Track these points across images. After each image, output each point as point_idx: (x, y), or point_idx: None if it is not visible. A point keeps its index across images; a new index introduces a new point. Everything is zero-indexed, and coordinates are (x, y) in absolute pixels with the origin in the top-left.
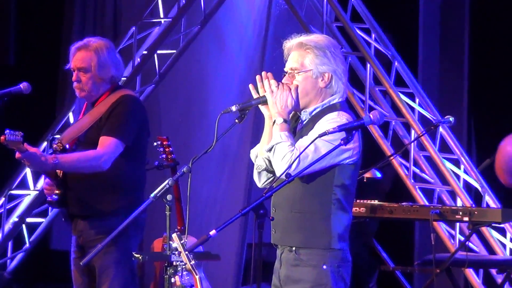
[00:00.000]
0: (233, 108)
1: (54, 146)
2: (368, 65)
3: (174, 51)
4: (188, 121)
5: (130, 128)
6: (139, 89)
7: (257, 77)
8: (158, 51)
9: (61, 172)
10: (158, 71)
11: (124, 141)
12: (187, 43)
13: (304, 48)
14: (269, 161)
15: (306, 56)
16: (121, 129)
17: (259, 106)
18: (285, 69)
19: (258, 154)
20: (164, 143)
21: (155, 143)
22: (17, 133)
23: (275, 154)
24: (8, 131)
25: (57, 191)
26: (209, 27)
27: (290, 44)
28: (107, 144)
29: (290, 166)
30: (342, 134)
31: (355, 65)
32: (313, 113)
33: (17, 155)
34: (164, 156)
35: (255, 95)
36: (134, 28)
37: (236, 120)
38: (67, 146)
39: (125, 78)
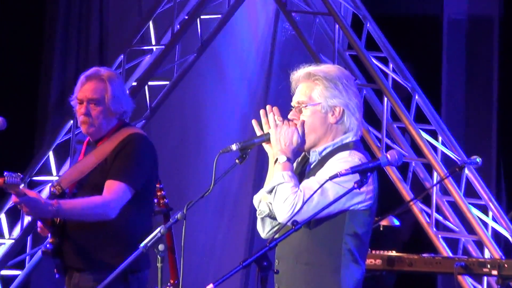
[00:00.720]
0: (233, 147)
1: (52, 189)
2: (385, 99)
3: (167, 82)
4: (183, 161)
5: (140, 171)
6: None
7: (261, 111)
8: (149, 83)
9: (58, 218)
10: (149, 104)
11: (133, 187)
12: (182, 73)
13: (312, 79)
14: None
15: (314, 88)
16: (129, 173)
17: (263, 144)
18: (292, 103)
19: (261, 199)
20: (156, 186)
21: None
22: (16, 174)
23: (276, 196)
24: (6, 173)
25: (51, 240)
26: (206, 55)
27: (298, 75)
28: (114, 190)
29: (295, 212)
30: (355, 176)
31: (370, 99)
32: (323, 153)
33: (14, 199)
34: (155, 200)
35: (258, 132)
36: (122, 56)
37: (237, 161)
38: (67, 190)
39: None
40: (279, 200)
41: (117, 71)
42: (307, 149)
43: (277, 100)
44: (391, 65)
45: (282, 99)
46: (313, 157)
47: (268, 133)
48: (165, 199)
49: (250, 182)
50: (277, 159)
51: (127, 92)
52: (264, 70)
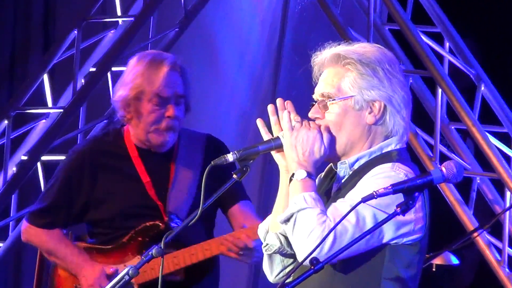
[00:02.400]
0: (230, 157)
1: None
2: (439, 91)
3: None
4: None
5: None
6: (84, 127)
7: (269, 107)
8: (114, 68)
9: None
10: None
11: None
12: None
13: (342, 63)
14: (286, 238)
15: (345, 76)
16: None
17: (272, 153)
18: (314, 96)
19: (269, 229)
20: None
21: None
22: None
23: (296, 227)
24: None
25: None
26: (192, 32)
27: (322, 57)
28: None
29: (326, 251)
30: (398, 198)
31: (419, 91)
32: (356, 166)
33: None
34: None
35: (265, 136)
36: (75, 31)
37: (235, 176)
38: (177, 218)
39: (60, 110)
40: (301, 233)
41: (67, 52)
42: (334, 160)
43: (289, 93)
44: (447, 45)
45: (297, 90)
46: (343, 171)
47: (279, 138)
48: None
49: (254, 203)
50: (293, 174)
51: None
52: (272, 52)
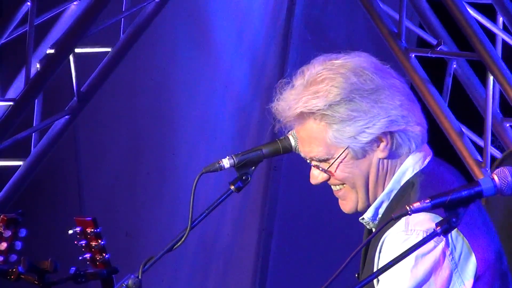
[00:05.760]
0: (225, 163)
1: None
2: (491, 78)
3: (109, 49)
4: (138, 184)
5: None
6: (39, 125)
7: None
8: (77, 50)
9: None
10: (76, 88)
11: None
12: (134, 34)
13: (312, 119)
14: None
15: (323, 133)
16: None
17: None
18: (303, 156)
19: None
20: (88, 230)
21: (70, 231)
22: None
23: None
24: None
25: None
26: (178, 3)
27: (284, 116)
28: None
29: None
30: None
31: (464, 78)
32: (380, 213)
33: None
34: (88, 256)
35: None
36: (29, 3)
37: (232, 187)
38: None
39: (10, 103)
40: None
41: (18, 30)
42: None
43: None
44: (501, 20)
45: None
46: (368, 215)
47: (289, 139)
48: (104, 254)
49: (255, 218)
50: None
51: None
52: (278, 28)
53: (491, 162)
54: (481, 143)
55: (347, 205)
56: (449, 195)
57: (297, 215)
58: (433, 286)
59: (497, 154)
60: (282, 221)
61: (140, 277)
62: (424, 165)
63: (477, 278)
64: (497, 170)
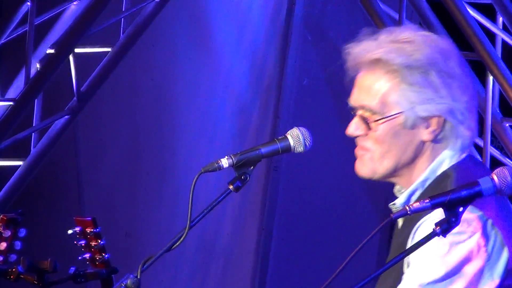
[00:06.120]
0: (224, 163)
1: None
2: (490, 78)
3: (109, 49)
4: (138, 183)
5: None
6: (39, 125)
7: None
8: (77, 50)
9: None
10: (76, 87)
11: None
12: (134, 34)
13: (384, 70)
14: None
15: (390, 87)
16: None
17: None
18: (352, 103)
19: None
20: (87, 229)
21: (69, 231)
22: None
23: None
24: None
25: None
26: (178, 3)
27: (356, 58)
28: None
29: None
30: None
31: None
32: (414, 198)
33: None
34: (88, 256)
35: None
36: (29, 3)
37: (231, 187)
38: None
39: (9, 103)
40: None
41: (18, 30)
42: (383, 179)
43: (300, 81)
44: (500, 20)
45: (310, 78)
46: (400, 201)
47: (287, 138)
48: (104, 254)
49: (255, 219)
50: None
51: None
52: (278, 28)
53: (490, 162)
54: (480, 143)
55: (364, 168)
56: (449, 195)
57: (297, 215)
58: (464, 276)
59: (497, 154)
60: (282, 221)
61: (139, 277)
62: (460, 159)
63: (507, 273)
64: (497, 170)
